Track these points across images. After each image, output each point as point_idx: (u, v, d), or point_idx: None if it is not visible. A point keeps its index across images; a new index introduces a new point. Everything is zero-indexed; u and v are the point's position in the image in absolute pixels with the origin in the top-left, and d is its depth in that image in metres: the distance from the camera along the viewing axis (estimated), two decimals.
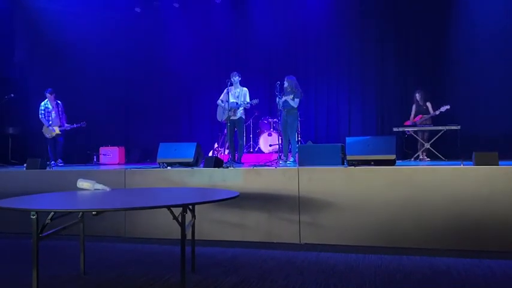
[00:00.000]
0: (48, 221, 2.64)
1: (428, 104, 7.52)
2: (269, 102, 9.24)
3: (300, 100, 6.81)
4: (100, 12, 9.64)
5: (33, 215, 2.48)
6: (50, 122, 7.87)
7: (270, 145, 8.43)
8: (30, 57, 9.96)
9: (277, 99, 6.75)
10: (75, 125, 7.96)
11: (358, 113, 9.18)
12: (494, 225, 3.80)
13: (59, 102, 8.04)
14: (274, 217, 4.36)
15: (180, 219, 2.63)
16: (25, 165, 5.59)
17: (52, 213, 2.63)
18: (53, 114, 7.91)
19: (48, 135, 7.88)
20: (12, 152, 8.76)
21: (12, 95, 8.02)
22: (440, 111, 7.16)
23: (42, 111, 7.91)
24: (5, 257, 4.03)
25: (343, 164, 4.92)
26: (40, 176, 5.21)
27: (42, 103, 7.96)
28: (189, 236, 3.12)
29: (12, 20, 9.84)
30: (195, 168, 4.94)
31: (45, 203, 2.71)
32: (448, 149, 7.09)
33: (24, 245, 4.38)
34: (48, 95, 7.89)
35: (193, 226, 3.35)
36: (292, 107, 6.72)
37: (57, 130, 7.83)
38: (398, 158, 5.03)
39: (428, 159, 7.11)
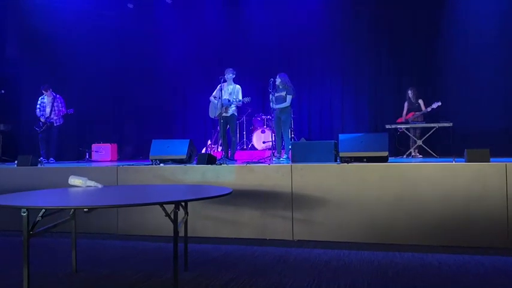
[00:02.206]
0: (39, 218, 2.61)
1: (421, 101, 7.55)
2: (262, 99, 9.24)
3: (292, 97, 6.83)
4: (92, 8, 9.57)
5: (24, 212, 2.46)
6: (45, 117, 7.79)
7: (263, 142, 8.43)
8: (21, 54, 9.86)
9: (271, 96, 6.75)
10: (62, 112, 7.84)
11: (351, 110, 9.20)
12: (486, 221, 3.83)
13: (56, 96, 7.94)
14: (267, 214, 4.36)
15: (172, 216, 2.62)
16: (16, 162, 5.54)
17: (43, 210, 2.60)
18: (48, 109, 7.81)
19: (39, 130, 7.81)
20: (3, 149, 8.69)
21: (2, 91, 7.94)
22: (432, 108, 7.20)
23: (38, 107, 7.85)
24: None
25: (336, 160, 4.92)
26: (31, 173, 5.17)
27: (39, 98, 7.92)
28: (181, 233, 3.10)
29: (2, 16, 9.73)
30: (188, 165, 4.92)
31: (36, 200, 2.68)
32: (440, 146, 7.15)
33: (15, 242, 4.35)
34: (43, 91, 7.82)
35: (185, 223, 3.33)
36: (286, 105, 6.75)
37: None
38: (390, 155, 5.05)
39: (421, 156, 7.15)
